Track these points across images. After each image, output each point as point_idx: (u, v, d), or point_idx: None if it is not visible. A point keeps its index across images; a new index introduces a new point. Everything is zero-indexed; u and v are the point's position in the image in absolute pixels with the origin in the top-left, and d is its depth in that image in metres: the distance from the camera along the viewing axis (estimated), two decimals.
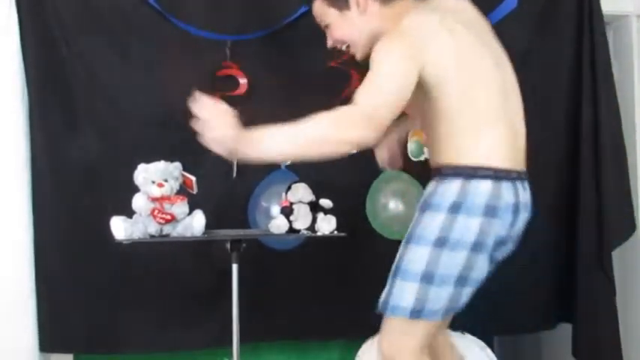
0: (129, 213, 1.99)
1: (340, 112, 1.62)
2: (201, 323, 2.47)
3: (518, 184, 1.76)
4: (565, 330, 2.66)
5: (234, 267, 2.06)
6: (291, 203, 2.06)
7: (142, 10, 2.40)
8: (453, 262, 1.68)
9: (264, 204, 2.44)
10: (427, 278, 1.67)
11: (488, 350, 2.45)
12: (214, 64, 2.43)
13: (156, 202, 1.98)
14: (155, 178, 1.97)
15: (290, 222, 2.05)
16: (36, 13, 2.36)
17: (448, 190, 1.70)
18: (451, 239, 1.67)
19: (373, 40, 1.80)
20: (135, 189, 2.00)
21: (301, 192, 2.07)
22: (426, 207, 1.73)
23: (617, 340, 2.60)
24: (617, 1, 2.81)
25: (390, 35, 1.74)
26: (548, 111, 2.64)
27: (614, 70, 2.71)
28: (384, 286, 2.19)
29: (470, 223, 1.67)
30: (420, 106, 1.77)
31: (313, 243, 2.31)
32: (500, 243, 1.74)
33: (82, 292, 2.42)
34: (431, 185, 1.77)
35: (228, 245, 2.05)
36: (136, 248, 2.10)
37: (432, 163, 1.83)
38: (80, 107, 2.41)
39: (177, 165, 2.04)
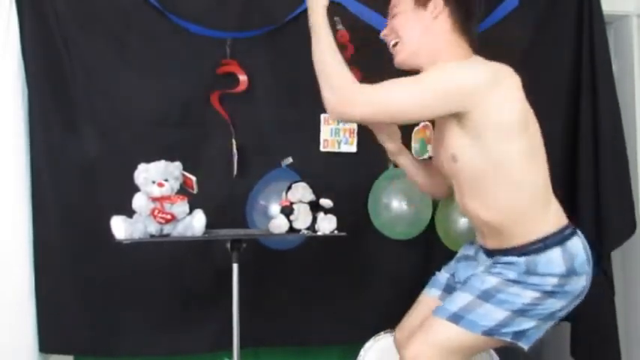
0: (129, 213, 1.98)
1: (349, 86, 1.73)
2: (201, 325, 2.45)
3: None
4: (566, 330, 2.65)
5: (235, 267, 2.05)
6: (292, 203, 2.06)
7: (142, 8, 2.40)
8: (554, 306, 1.76)
9: (262, 202, 2.43)
10: (521, 312, 1.74)
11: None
12: (214, 62, 2.43)
13: (156, 202, 1.97)
14: (155, 177, 1.97)
15: (290, 222, 2.05)
16: (36, 13, 2.36)
17: (552, 260, 1.75)
18: (561, 292, 1.76)
19: (423, 54, 1.84)
20: (135, 189, 2.00)
21: (301, 191, 2.06)
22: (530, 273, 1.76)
23: (616, 341, 2.60)
24: (617, 1, 2.82)
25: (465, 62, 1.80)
26: (548, 111, 2.63)
27: (614, 69, 2.70)
28: (384, 286, 2.20)
29: (580, 279, 1.78)
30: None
31: (313, 243, 2.31)
32: None
33: (81, 293, 2.41)
34: (520, 260, 1.77)
35: (229, 245, 2.05)
36: (136, 248, 2.10)
37: (497, 242, 1.84)
38: (80, 107, 2.40)
39: (178, 165, 2.03)
